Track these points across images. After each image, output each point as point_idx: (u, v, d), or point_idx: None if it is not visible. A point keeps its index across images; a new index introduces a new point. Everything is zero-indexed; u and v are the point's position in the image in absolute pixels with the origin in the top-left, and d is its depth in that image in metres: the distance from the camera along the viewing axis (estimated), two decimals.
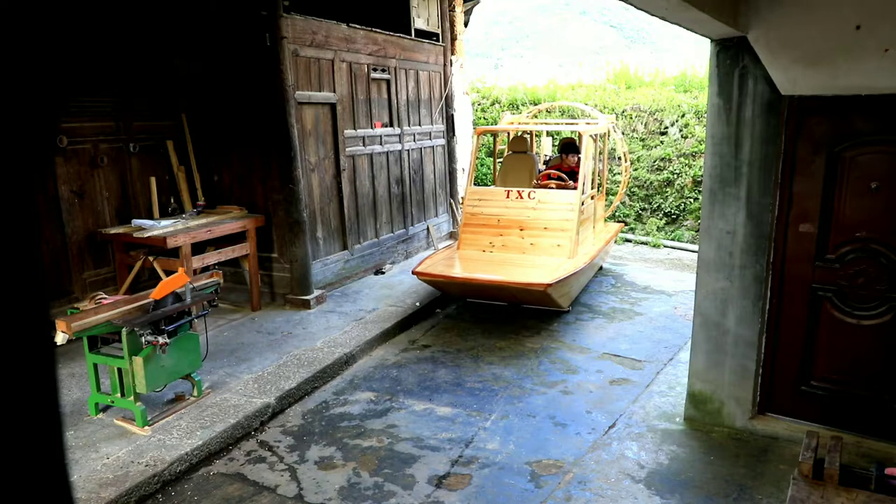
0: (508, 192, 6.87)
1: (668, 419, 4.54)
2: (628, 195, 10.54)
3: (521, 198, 6.77)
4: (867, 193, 3.79)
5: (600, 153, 8.22)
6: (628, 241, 10.15)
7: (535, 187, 7.15)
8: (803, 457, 3.05)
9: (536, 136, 9.12)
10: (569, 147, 7.93)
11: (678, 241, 9.94)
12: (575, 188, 6.90)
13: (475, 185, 7.71)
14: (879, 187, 3.74)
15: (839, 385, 4.05)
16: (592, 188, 7.56)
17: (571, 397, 4.94)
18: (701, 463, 3.99)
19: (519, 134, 8.25)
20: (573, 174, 7.30)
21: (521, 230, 6.69)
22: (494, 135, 8.76)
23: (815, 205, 3.95)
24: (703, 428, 4.40)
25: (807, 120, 3.90)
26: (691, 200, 10.02)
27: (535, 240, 6.64)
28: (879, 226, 3.78)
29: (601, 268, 8.32)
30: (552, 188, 7.10)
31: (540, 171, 7.76)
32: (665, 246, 9.82)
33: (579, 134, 7.46)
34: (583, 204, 6.86)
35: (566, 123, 9.31)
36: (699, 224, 5.61)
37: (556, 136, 10.45)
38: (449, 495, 3.72)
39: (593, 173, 7.64)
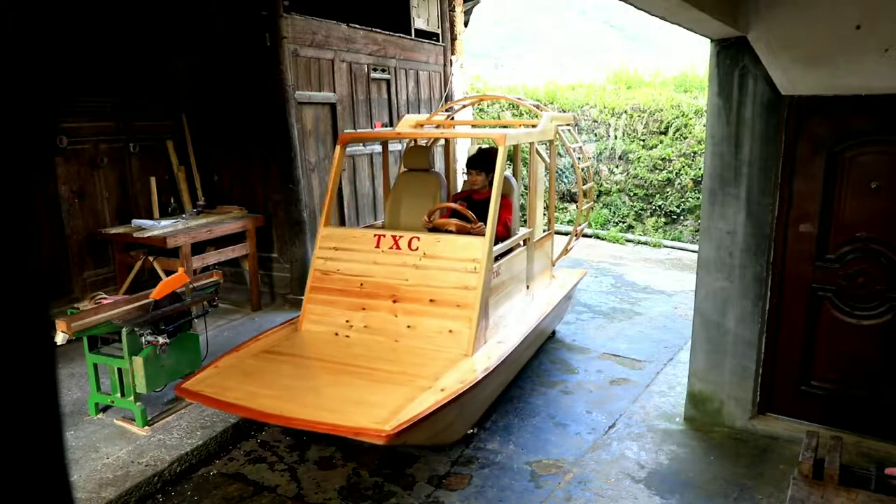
0: (379, 237, 4.41)
1: (668, 419, 4.54)
2: (629, 200, 10.51)
3: (398, 248, 4.33)
4: (867, 193, 3.79)
5: (546, 169, 6.04)
6: (629, 240, 10.15)
7: (429, 228, 4.68)
8: (803, 457, 3.05)
9: (487, 141, 6.15)
10: (480, 161, 5.14)
11: (678, 241, 9.94)
12: (482, 233, 4.32)
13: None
14: (880, 187, 3.74)
15: (839, 385, 4.05)
16: (529, 226, 5.24)
17: (571, 397, 4.94)
18: (701, 463, 3.99)
19: (425, 142, 5.92)
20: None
21: (395, 302, 4.22)
22: (384, 144, 6.09)
23: (815, 205, 3.95)
24: (703, 428, 4.40)
25: (807, 120, 3.90)
26: (691, 201, 10.03)
27: (414, 320, 4.15)
28: (879, 226, 3.78)
29: (554, 333, 6.08)
30: (452, 231, 4.55)
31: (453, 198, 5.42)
32: (665, 246, 9.83)
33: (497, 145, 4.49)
34: (500, 259, 4.50)
35: (496, 125, 7.21)
36: (699, 224, 5.60)
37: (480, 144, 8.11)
38: (449, 495, 3.72)
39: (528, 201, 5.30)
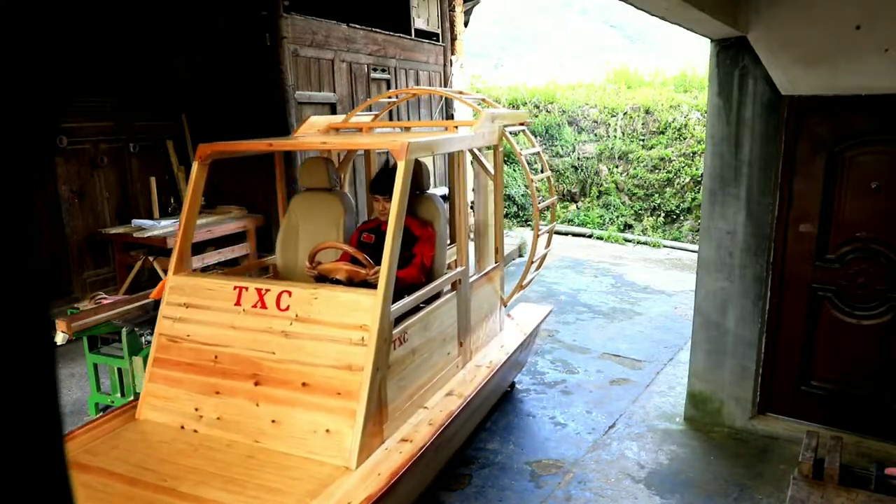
0: (240, 291, 3.21)
1: (668, 419, 4.54)
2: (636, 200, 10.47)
3: (264, 306, 3.15)
4: (867, 193, 3.79)
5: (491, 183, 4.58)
6: (628, 240, 10.15)
7: (314, 277, 3.56)
8: (803, 457, 3.05)
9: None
10: (386, 182, 3.67)
11: (678, 240, 9.94)
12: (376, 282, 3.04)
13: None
14: (880, 187, 3.74)
15: (839, 385, 4.05)
16: (461, 262, 3.93)
17: (571, 397, 4.94)
18: (701, 463, 3.99)
19: (342, 154, 4.82)
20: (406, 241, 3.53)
21: (257, 385, 3.05)
22: (276, 156, 4.46)
23: (815, 205, 3.95)
24: (703, 428, 4.40)
25: (807, 120, 3.90)
26: (690, 201, 10.03)
27: (281, 412, 2.98)
28: (879, 226, 3.78)
29: (513, 385, 4.99)
30: (340, 281, 3.42)
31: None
32: (665, 246, 9.83)
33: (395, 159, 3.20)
34: (412, 316, 3.31)
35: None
36: (699, 224, 5.60)
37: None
38: (449, 495, 3.72)
39: (477, 226, 4.17)
